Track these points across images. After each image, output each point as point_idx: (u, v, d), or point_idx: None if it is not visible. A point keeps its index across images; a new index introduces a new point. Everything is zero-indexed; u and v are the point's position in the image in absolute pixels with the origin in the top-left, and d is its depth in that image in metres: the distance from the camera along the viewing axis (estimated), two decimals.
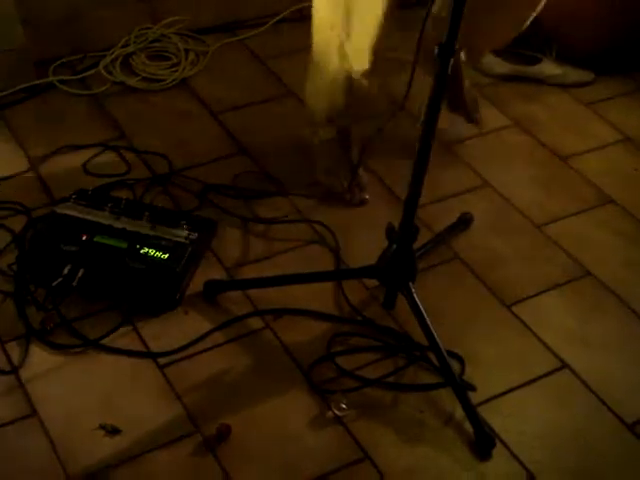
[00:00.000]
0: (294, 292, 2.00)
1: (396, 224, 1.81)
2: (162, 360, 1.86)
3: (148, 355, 1.87)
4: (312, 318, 1.96)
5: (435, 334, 1.80)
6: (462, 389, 1.77)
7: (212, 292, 1.99)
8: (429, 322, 1.81)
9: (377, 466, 1.70)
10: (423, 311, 1.83)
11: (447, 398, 1.80)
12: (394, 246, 1.82)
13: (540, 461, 1.72)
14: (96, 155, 2.36)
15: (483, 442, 1.73)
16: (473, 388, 1.82)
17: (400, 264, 1.85)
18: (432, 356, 1.85)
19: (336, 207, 2.24)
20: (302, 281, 2.01)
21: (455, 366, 1.84)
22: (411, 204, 1.76)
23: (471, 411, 1.74)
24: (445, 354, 1.79)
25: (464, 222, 2.19)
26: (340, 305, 2.00)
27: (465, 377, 1.84)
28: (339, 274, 2.10)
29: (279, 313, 1.97)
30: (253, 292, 2.01)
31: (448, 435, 1.75)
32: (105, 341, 1.89)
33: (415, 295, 1.84)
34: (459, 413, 1.77)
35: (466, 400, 1.75)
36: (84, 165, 2.32)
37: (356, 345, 1.92)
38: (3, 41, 2.47)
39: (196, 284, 2.02)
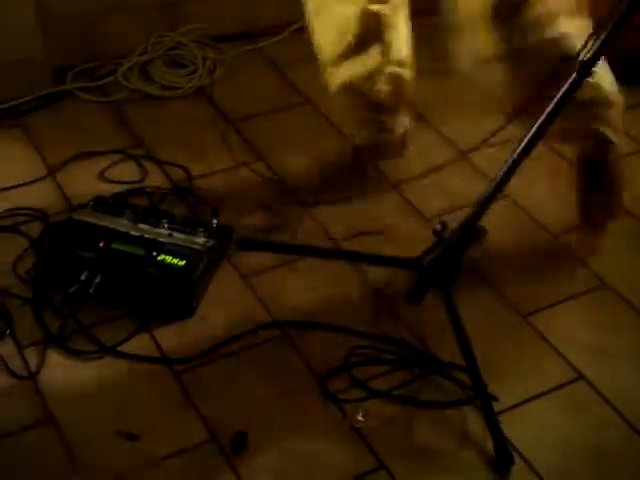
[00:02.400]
0: (313, 305, 2.00)
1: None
2: (178, 367, 1.87)
3: (164, 362, 1.87)
4: (332, 331, 1.96)
5: (470, 343, 1.78)
6: (489, 403, 1.75)
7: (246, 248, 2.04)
8: (465, 331, 1.79)
9: (394, 477, 1.70)
10: (460, 319, 1.80)
11: (465, 411, 1.81)
12: (445, 244, 1.78)
13: (556, 472, 1.72)
14: (114, 163, 2.37)
15: (503, 459, 1.72)
16: (496, 399, 1.81)
17: (448, 263, 1.81)
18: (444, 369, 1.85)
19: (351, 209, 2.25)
20: (339, 257, 2.01)
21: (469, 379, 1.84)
22: (483, 205, 1.75)
23: (495, 426, 1.73)
24: (478, 366, 1.76)
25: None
26: (360, 318, 1.99)
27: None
28: (379, 259, 2.04)
29: (301, 327, 1.96)
30: (271, 301, 2.02)
31: (465, 449, 1.75)
32: (121, 348, 1.89)
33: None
34: (475, 426, 1.77)
35: (492, 415, 1.74)
36: (102, 172, 2.33)
37: (375, 357, 1.91)
38: (22, 49, 2.48)
39: (212, 291, 2.02)
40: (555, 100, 1.67)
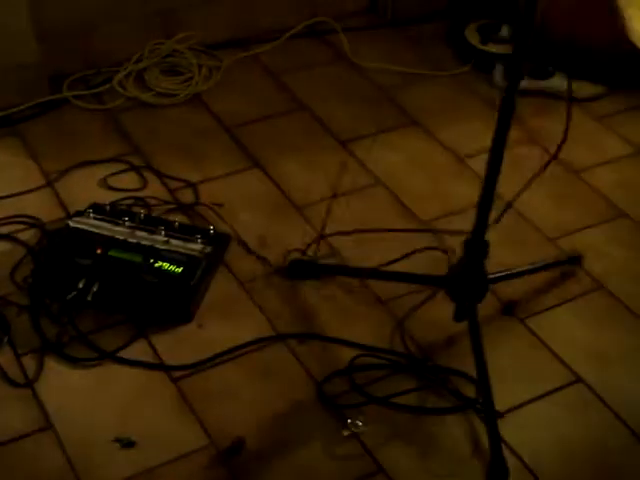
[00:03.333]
0: (318, 319, 2.00)
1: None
2: (176, 373, 1.87)
3: (162, 368, 1.87)
4: (332, 342, 1.96)
5: (486, 361, 1.78)
6: (493, 416, 1.75)
7: (296, 272, 2.08)
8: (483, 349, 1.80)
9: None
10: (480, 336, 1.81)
11: (466, 417, 1.81)
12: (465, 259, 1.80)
13: (554, 475, 1.72)
14: (111, 170, 2.37)
15: (498, 472, 1.71)
16: (501, 415, 1.80)
17: (467, 279, 1.82)
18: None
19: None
20: (374, 276, 2.03)
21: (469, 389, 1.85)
22: (482, 218, 1.75)
23: (496, 440, 1.72)
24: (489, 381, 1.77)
25: (570, 260, 2.16)
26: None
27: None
28: (408, 277, 2.05)
29: (302, 338, 1.96)
30: (271, 310, 2.01)
31: (464, 456, 1.75)
32: (119, 354, 1.89)
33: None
34: (475, 433, 1.77)
35: (495, 429, 1.73)
36: (99, 180, 2.34)
37: (376, 363, 1.90)
38: (18, 56, 2.48)
39: (210, 298, 2.02)
40: None
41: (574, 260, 2.15)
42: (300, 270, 2.09)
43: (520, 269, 2.05)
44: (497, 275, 1.96)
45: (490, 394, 1.76)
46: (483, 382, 1.77)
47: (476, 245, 1.78)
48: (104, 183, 2.33)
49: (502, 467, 1.71)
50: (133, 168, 2.38)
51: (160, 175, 2.36)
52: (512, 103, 1.62)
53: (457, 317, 1.88)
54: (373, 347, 1.93)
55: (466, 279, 1.83)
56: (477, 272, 1.82)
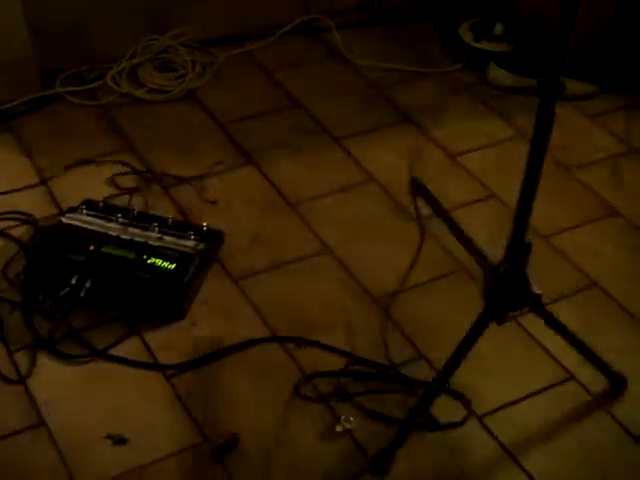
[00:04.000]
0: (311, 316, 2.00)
1: None
2: (169, 370, 1.87)
3: (155, 367, 1.87)
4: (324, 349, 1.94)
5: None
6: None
7: None
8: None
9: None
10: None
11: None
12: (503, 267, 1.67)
13: (547, 472, 1.72)
14: (104, 166, 2.36)
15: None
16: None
17: (510, 288, 1.68)
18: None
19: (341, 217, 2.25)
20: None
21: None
22: (521, 224, 1.68)
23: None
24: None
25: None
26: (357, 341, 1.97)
27: (472, 388, 1.84)
28: None
29: (300, 343, 1.94)
30: (266, 308, 2.01)
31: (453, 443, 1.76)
32: (112, 351, 1.89)
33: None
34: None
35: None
36: (92, 176, 2.33)
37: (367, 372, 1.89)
38: (11, 52, 2.48)
39: (203, 295, 2.02)
40: None
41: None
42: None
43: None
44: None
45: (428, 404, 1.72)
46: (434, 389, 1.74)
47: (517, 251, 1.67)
48: (97, 179, 2.33)
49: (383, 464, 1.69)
50: (126, 165, 2.38)
51: (153, 171, 2.36)
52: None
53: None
54: (367, 360, 1.90)
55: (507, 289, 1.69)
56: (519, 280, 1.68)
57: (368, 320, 2.00)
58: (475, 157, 2.49)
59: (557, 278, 2.13)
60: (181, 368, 1.87)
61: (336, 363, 1.89)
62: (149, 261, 1.98)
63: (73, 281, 1.94)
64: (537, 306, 1.75)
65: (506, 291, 1.69)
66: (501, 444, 1.75)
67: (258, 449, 1.73)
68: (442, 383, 1.75)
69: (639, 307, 2.06)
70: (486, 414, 1.80)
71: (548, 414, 1.83)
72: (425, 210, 2.12)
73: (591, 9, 2.44)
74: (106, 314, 1.96)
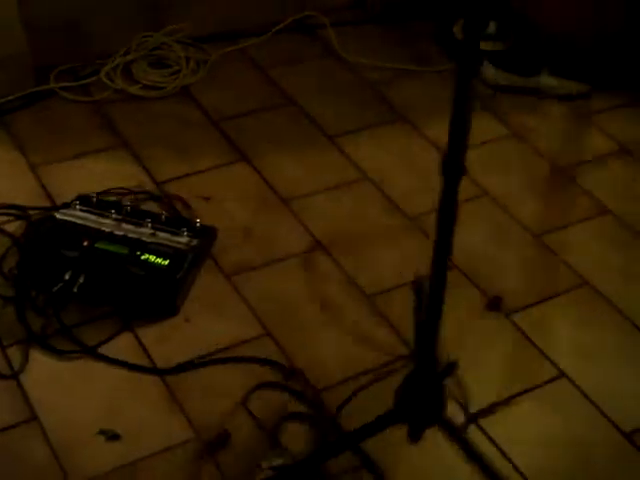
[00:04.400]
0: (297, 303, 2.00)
1: None
2: (162, 367, 1.87)
3: (144, 370, 1.87)
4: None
5: None
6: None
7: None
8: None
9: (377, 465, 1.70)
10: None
11: None
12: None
13: (538, 469, 1.73)
14: (98, 162, 2.37)
15: None
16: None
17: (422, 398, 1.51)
18: None
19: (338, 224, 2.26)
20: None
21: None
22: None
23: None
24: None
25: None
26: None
27: (464, 386, 1.85)
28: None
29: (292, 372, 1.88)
30: (258, 305, 2.01)
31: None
32: (105, 347, 1.89)
33: None
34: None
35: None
36: (85, 171, 2.33)
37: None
38: (4, 47, 2.47)
39: (196, 291, 2.02)
40: None
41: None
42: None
43: None
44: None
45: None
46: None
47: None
48: (91, 175, 2.32)
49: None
50: (120, 161, 2.38)
51: (147, 167, 2.36)
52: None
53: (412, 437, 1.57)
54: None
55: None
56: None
57: (360, 317, 2.00)
58: (469, 156, 2.48)
59: (549, 276, 2.14)
60: (168, 373, 1.86)
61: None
62: (142, 257, 1.98)
63: (66, 277, 1.94)
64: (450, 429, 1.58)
65: (414, 405, 1.51)
66: (492, 441, 1.76)
67: (250, 446, 1.73)
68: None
69: (630, 305, 2.07)
70: (479, 412, 1.80)
71: (540, 412, 1.83)
72: None
73: (591, 9, 2.47)
74: (99, 310, 1.96)
